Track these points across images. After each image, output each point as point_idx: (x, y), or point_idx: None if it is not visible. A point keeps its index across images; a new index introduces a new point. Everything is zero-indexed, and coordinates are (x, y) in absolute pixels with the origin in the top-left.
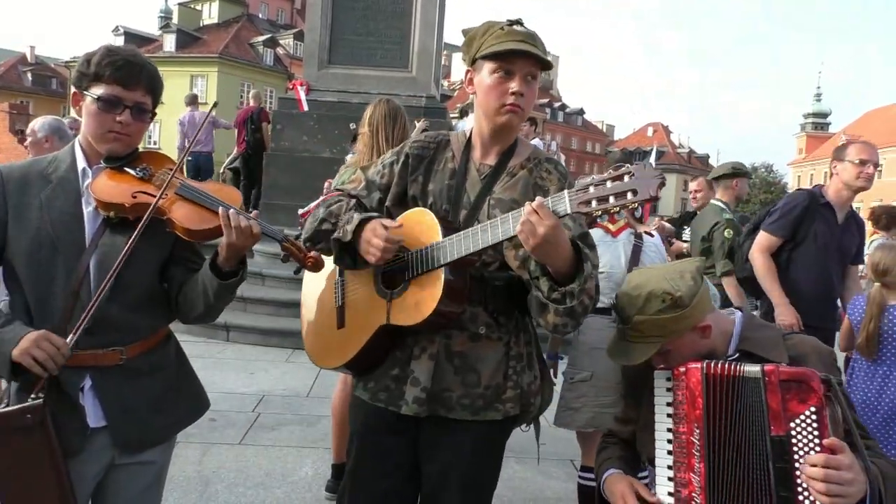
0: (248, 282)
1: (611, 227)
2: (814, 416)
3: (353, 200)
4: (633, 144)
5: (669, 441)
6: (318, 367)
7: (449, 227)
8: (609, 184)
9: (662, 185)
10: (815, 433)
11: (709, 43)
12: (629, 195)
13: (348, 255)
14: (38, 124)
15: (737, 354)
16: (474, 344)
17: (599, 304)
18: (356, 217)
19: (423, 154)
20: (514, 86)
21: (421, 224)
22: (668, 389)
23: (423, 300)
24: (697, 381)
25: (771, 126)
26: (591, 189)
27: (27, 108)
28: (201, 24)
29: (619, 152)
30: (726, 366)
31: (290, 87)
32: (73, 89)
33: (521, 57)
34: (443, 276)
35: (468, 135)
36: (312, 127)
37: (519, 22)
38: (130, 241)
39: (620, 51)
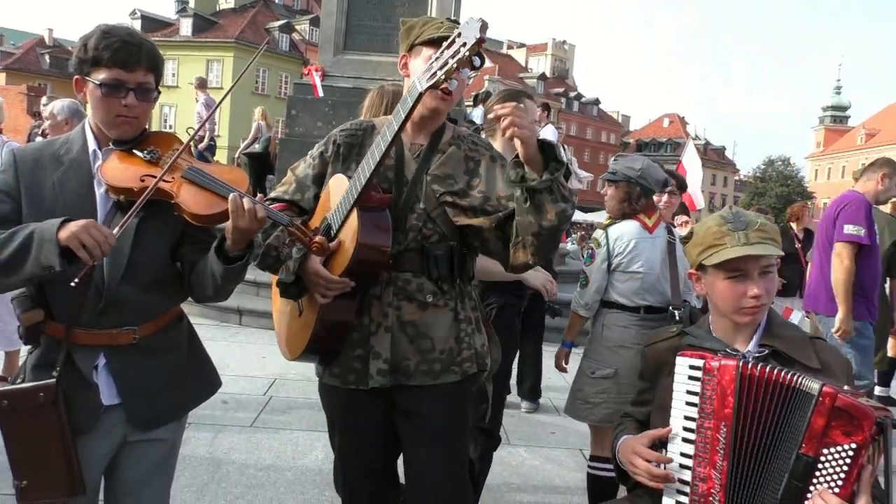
0: None
1: (648, 221)
2: (850, 453)
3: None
4: (649, 135)
5: (686, 429)
6: (291, 360)
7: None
8: (445, 52)
9: (485, 27)
10: (845, 469)
11: (727, 33)
12: (462, 49)
13: (294, 289)
14: (56, 107)
15: (765, 351)
16: (424, 312)
17: (626, 303)
18: (293, 262)
19: (353, 141)
20: None
21: (336, 187)
22: (692, 378)
23: (347, 240)
24: (731, 378)
25: (789, 119)
26: (434, 64)
27: (45, 90)
28: (218, 9)
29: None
30: (777, 371)
31: (306, 72)
32: (75, 75)
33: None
34: (356, 213)
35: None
36: (327, 112)
37: (456, 22)
38: (124, 220)
39: (639, 42)
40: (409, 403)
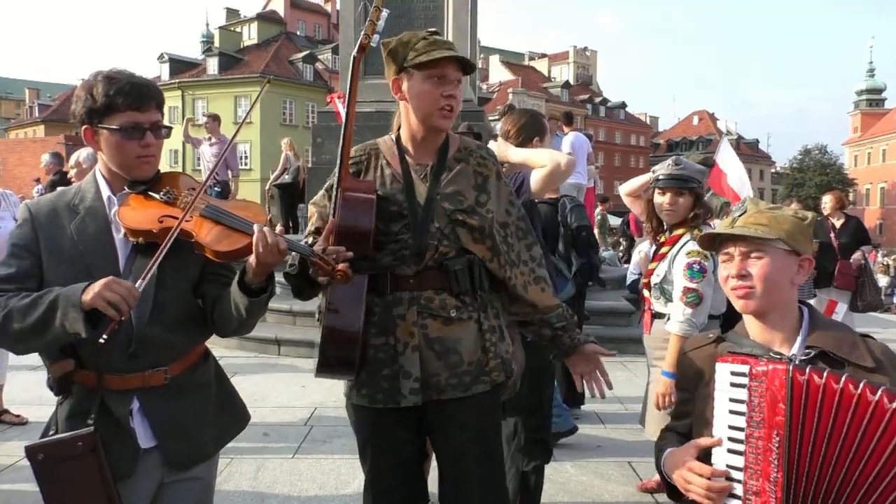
0: None
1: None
2: None
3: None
4: (679, 135)
5: (732, 439)
6: (316, 376)
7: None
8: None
9: None
10: None
11: (753, 23)
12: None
13: (308, 288)
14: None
15: (811, 353)
16: (449, 328)
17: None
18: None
19: (358, 169)
20: (448, 90)
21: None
22: (734, 385)
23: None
24: (781, 384)
25: (823, 106)
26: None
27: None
28: (242, 46)
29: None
30: (866, 387)
31: (328, 100)
32: (83, 126)
33: (451, 64)
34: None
35: (395, 140)
36: (352, 139)
37: (437, 33)
38: (152, 263)
39: (662, 40)
40: (441, 418)
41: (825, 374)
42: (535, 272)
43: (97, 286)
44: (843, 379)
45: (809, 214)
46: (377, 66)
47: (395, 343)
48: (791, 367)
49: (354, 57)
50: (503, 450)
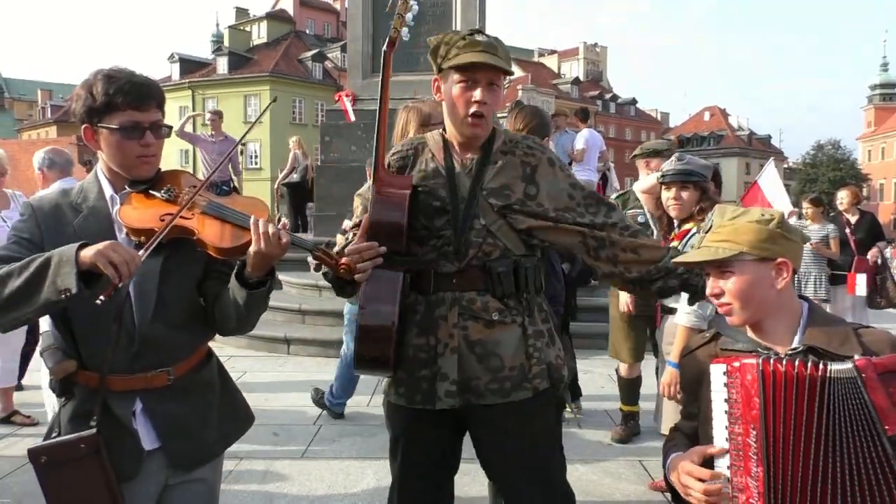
0: (306, 294)
1: None
2: None
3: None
4: (690, 130)
5: (727, 440)
6: (356, 374)
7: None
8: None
9: None
10: None
11: (764, 16)
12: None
13: (348, 285)
14: (34, 160)
15: (800, 348)
16: (490, 330)
17: None
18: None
19: (404, 163)
20: (476, 94)
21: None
22: (725, 385)
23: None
24: (754, 378)
25: (835, 101)
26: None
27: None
28: (251, 45)
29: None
30: (795, 364)
31: (336, 98)
32: (82, 125)
33: (483, 65)
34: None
35: (443, 135)
36: (360, 136)
37: (479, 31)
38: (144, 249)
39: (672, 36)
40: (484, 424)
41: (791, 365)
42: (629, 229)
43: (100, 245)
44: (807, 364)
45: (776, 213)
46: (395, 63)
47: (435, 344)
48: (760, 360)
49: (385, 52)
50: (564, 459)
